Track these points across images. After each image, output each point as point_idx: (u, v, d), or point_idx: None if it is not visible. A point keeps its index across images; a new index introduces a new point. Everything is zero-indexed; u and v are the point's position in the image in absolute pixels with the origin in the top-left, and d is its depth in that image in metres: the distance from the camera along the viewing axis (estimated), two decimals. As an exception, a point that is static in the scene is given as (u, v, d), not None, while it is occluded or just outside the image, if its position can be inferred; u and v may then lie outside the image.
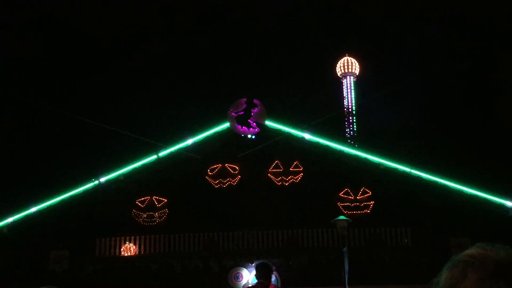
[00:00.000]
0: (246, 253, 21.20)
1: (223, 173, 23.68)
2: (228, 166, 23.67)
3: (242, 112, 23.62)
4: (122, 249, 22.14)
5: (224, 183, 23.55)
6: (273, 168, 23.64)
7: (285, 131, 23.60)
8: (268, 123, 23.69)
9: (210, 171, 23.64)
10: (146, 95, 34.47)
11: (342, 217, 17.44)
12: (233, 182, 23.62)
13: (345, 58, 31.85)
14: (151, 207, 23.29)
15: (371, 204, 22.89)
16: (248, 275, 20.52)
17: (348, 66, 31.88)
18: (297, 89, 35.28)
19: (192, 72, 36.14)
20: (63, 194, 22.93)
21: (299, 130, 23.57)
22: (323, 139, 23.43)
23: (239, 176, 23.61)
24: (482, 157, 28.06)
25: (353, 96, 31.76)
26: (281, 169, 23.59)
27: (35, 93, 31.76)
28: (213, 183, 23.58)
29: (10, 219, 22.48)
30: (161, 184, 23.23)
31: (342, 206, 22.77)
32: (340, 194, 23.02)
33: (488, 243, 1.40)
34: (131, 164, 23.30)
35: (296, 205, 22.76)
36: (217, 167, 23.69)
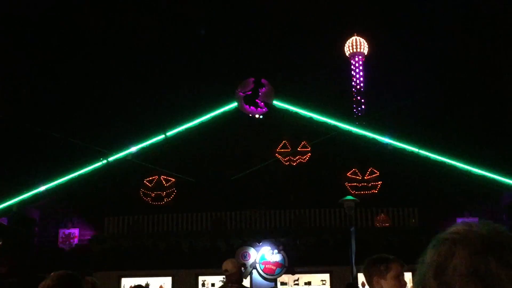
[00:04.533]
0: (254, 233, 21.29)
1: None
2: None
3: (249, 92, 23.55)
4: (130, 228, 22.25)
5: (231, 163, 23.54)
6: (280, 148, 23.62)
7: (293, 111, 23.51)
8: (276, 103, 23.61)
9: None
10: (154, 73, 34.41)
11: (349, 197, 17.46)
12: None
13: (354, 37, 31.60)
14: (159, 186, 23.39)
15: (378, 184, 22.87)
16: (255, 254, 20.64)
17: (356, 46, 31.63)
18: (306, 69, 35.08)
19: (200, 51, 36.00)
20: (71, 173, 23.06)
21: (307, 110, 23.49)
22: (331, 119, 23.35)
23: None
24: (491, 137, 27.90)
25: (361, 75, 31.56)
26: (288, 149, 23.57)
27: (39, 70, 31.75)
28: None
29: (19, 198, 22.64)
30: (169, 164, 23.26)
31: (350, 186, 22.77)
32: (348, 174, 23.00)
33: (492, 222, 1.39)
34: (139, 143, 23.35)
35: (304, 185, 22.78)
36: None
